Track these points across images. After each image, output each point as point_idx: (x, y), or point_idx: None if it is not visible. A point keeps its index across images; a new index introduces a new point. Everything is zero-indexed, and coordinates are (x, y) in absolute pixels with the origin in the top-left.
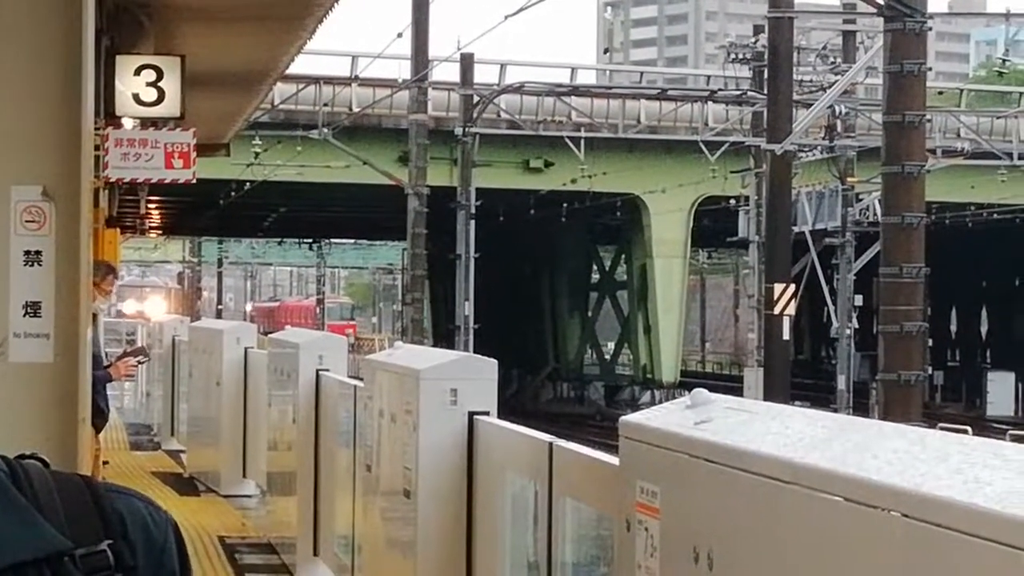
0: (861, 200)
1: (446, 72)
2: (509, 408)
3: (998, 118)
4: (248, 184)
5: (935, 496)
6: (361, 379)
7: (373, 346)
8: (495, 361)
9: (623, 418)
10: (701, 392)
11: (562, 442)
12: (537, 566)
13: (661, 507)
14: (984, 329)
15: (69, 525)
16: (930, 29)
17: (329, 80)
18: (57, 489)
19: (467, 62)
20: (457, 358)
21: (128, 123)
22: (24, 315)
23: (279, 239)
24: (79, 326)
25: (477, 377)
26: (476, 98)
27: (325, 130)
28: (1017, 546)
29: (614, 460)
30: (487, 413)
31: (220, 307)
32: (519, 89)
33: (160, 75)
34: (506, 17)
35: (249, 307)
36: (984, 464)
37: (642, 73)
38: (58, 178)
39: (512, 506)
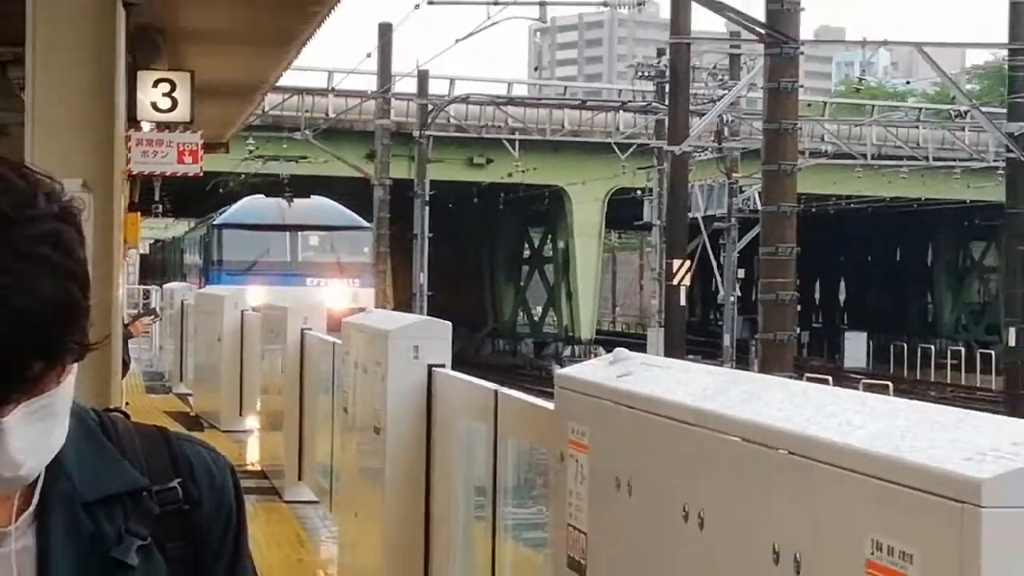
0: (744, 192)
1: (406, 85)
2: (456, 360)
3: (855, 126)
4: (243, 175)
5: (817, 437)
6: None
7: None
8: (449, 323)
9: (558, 371)
10: (622, 351)
11: (506, 389)
12: (484, 490)
13: (589, 444)
14: (842, 297)
15: (147, 466)
16: (801, 53)
17: (310, 91)
18: (137, 437)
19: (423, 77)
20: (419, 321)
21: (147, 126)
22: None
23: None
24: (112, 295)
25: (435, 336)
26: (430, 107)
27: (306, 132)
28: (883, 478)
29: (549, 405)
30: (443, 365)
31: None
32: (465, 100)
33: (173, 87)
34: (456, 41)
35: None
36: (855, 411)
37: (566, 87)
38: (96, 172)
39: (464, 441)
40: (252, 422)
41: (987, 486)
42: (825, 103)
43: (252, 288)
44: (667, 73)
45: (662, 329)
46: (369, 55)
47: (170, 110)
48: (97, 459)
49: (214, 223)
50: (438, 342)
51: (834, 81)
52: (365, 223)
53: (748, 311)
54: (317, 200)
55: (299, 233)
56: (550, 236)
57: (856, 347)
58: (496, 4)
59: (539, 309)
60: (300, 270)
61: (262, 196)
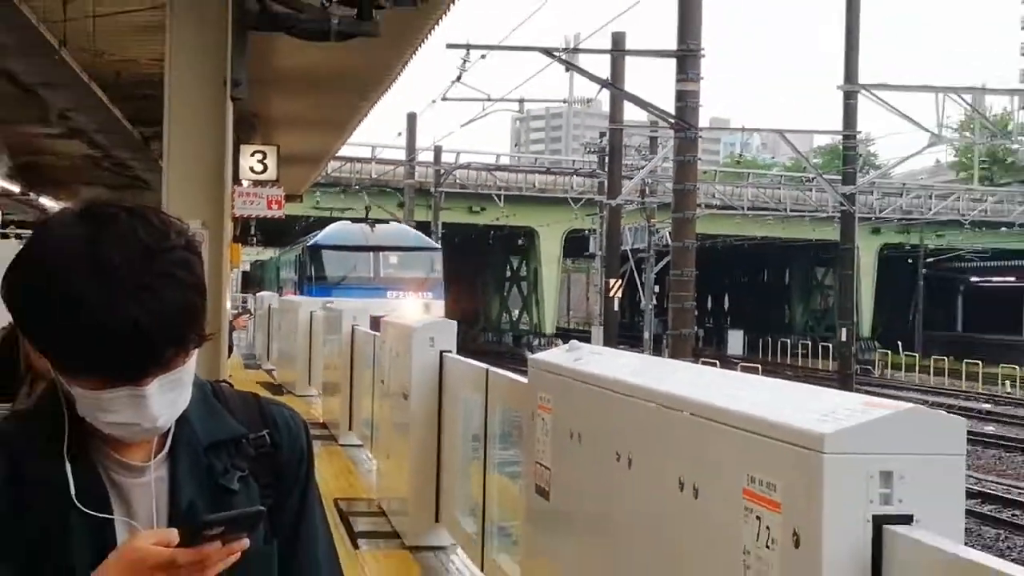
0: (659, 232)
1: (426, 155)
2: (458, 348)
3: (736, 187)
4: (312, 217)
5: (712, 403)
6: (378, 331)
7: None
8: (455, 322)
9: (530, 356)
10: (575, 342)
11: (494, 369)
12: (478, 438)
13: (552, 407)
14: (726, 305)
15: (244, 420)
16: (700, 136)
17: (359, 159)
18: (238, 399)
19: (437, 151)
20: (434, 320)
21: (246, 183)
22: None
23: None
24: (221, 301)
25: (446, 330)
26: (442, 171)
27: (356, 187)
28: (756, 432)
29: (524, 380)
30: (451, 351)
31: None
32: (467, 166)
33: (265, 156)
34: (461, 125)
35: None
36: (738, 387)
37: (536, 158)
38: (211, 215)
39: (465, 404)
40: (317, 389)
41: (828, 439)
42: (715, 171)
43: (339, 300)
44: (607, 149)
45: (602, 327)
46: (400, 134)
47: (262, 172)
48: (211, 415)
49: (308, 245)
50: (447, 335)
51: (722, 156)
52: (436, 245)
53: (661, 315)
54: (396, 225)
55: (381, 253)
56: (525, 262)
57: (736, 341)
58: (488, 101)
59: (516, 312)
60: (382, 284)
61: (348, 222)
